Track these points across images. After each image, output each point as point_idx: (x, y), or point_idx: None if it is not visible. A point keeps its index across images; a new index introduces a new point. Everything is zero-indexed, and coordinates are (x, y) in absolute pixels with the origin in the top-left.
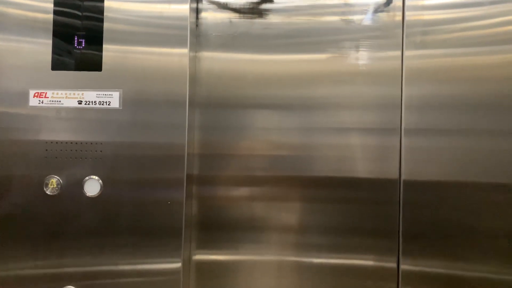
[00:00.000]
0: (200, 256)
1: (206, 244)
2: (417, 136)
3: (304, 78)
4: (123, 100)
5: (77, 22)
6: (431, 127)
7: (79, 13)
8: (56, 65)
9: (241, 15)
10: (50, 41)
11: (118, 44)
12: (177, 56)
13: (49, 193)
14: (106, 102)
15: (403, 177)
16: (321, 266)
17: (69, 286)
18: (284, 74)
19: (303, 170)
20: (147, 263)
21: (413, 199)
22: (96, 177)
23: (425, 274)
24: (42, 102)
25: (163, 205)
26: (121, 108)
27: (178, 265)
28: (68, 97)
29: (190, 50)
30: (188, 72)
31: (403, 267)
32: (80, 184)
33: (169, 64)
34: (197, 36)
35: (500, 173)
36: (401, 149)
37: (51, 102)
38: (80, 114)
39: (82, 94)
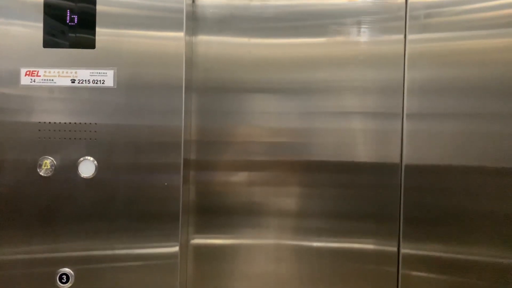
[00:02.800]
0: (198, 240)
1: (204, 228)
2: (419, 120)
3: (304, 62)
4: (118, 81)
5: (70, 3)
6: (433, 111)
7: None
8: (48, 43)
9: None
10: (42, 17)
11: (111, 27)
12: (173, 39)
13: (43, 174)
14: (100, 80)
15: (404, 162)
16: (321, 250)
17: (64, 268)
18: (283, 57)
19: (303, 154)
20: (144, 247)
21: (414, 184)
22: (91, 158)
23: (426, 258)
24: (34, 81)
25: (160, 189)
26: (115, 87)
27: (175, 249)
28: (61, 75)
29: (186, 33)
30: (184, 56)
31: (403, 251)
32: (74, 165)
33: (165, 48)
34: (194, 19)
35: (503, 157)
36: (403, 133)
37: (44, 81)
38: (74, 93)
39: (76, 72)
